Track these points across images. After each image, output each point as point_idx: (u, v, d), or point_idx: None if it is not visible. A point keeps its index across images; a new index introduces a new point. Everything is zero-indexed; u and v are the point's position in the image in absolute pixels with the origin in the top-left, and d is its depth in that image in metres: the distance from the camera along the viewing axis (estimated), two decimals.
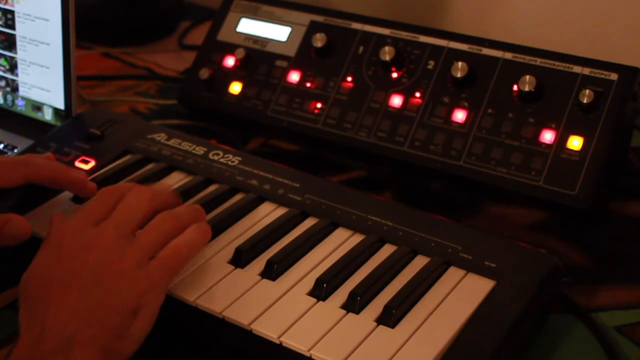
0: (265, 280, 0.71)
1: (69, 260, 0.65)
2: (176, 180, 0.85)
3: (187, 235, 0.69)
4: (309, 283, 0.71)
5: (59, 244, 0.67)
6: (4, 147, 0.98)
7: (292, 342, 0.65)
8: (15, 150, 0.96)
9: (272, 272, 0.72)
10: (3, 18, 0.99)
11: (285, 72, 1.02)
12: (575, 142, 0.87)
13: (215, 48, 1.07)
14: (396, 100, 0.95)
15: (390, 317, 0.66)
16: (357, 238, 0.76)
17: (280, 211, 0.80)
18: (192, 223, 0.71)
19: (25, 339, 0.63)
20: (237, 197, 0.82)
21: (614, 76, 0.88)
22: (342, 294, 0.69)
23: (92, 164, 0.87)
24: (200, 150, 0.88)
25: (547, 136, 0.88)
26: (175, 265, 0.68)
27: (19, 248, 0.79)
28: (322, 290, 0.70)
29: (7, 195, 0.79)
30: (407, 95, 0.95)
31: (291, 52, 1.03)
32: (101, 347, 0.62)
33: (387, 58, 0.95)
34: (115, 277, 0.64)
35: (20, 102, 1.01)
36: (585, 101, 0.87)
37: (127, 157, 0.88)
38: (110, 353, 0.63)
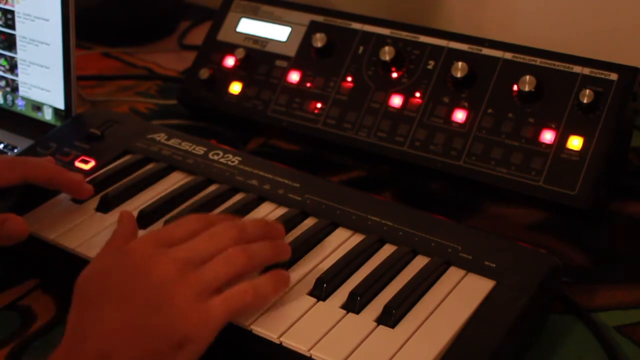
0: None
1: (132, 273, 0.63)
2: (176, 180, 0.85)
3: (258, 281, 0.66)
4: (309, 283, 0.71)
5: (125, 252, 0.65)
6: (4, 147, 0.98)
7: (292, 342, 0.65)
8: (16, 150, 0.96)
9: None
10: (3, 18, 0.99)
11: (285, 72, 1.02)
12: (575, 142, 0.87)
13: (215, 48, 1.07)
14: (396, 100, 0.95)
15: (390, 317, 0.66)
16: (357, 238, 0.76)
17: (280, 211, 0.80)
18: (267, 261, 0.69)
19: (67, 342, 0.61)
20: (237, 197, 0.82)
21: (614, 76, 0.88)
22: (342, 294, 0.69)
23: (92, 164, 0.87)
24: (200, 150, 0.88)
25: (547, 136, 0.88)
26: (236, 308, 0.64)
27: (22, 249, 0.79)
28: (322, 290, 0.70)
29: (7, 195, 0.79)
30: (407, 95, 0.95)
31: (291, 52, 1.03)
32: None
33: (387, 58, 0.95)
34: (172, 304, 0.62)
35: (20, 102, 1.01)
36: (585, 101, 0.87)
37: (127, 157, 0.88)
38: None
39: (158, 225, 0.78)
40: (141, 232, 0.73)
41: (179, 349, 0.61)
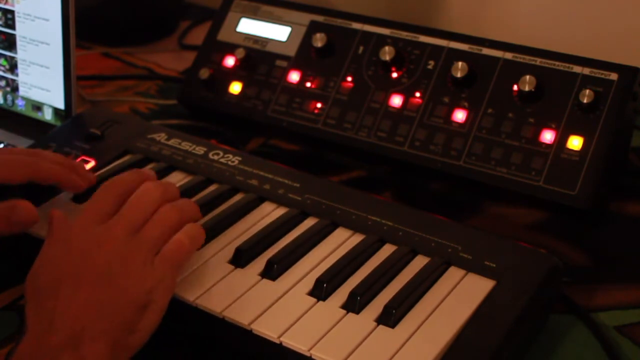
0: (265, 280, 0.71)
1: (78, 257, 0.66)
2: (176, 180, 0.85)
3: (187, 231, 0.71)
4: (309, 283, 0.71)
5: (67, 239, 0.68)
6: (4, 147, 0.98)
7: (292, 342, 0.65)
8: None
9: (272, 272, 0.72)
10: (3, 18, 0.99)
11: (285, 72, 1.02)
12: (575, 142, 0.87)
13: (215, 48, 1.07)
14: (396, 100, 0.95)
15: (390, 317, 0.66)
16: (357, 238, 0.76)
17: (280, 211, 0.80)
18: (193, 217, 0.73)
19: (33, 333, 0.63)
20: (237, 197, 0.82)
21: (614, 76, 0.88)
22: (342, 294, 0.69)
23: (92, 164, 0.87)
24: (200, 150, 0.88)
25: (547, 136, 0.88)
26: (179, 259, 0.69)
27: (21, 246, 0.79)
28: (322, 290, 0.70)
29: (7, 194, 0.79)
30: (407, 95, 0.95)
31: (291, 52, 1.03)
32: (111, 341, 0.62)
33: (387, 58, 0.95)
34: (124, 274, 0.65)
35: (20, 102, 1.01)
36: (585, 101, 0.87)
37: (127, 157, 0.88)
38: (119, 347, 0.63)
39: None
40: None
41: (143, 311, 0.65)
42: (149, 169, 0.78)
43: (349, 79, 0.99)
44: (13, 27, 0.99)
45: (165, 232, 0.69)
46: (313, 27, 1.03)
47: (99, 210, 0.70)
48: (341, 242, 0.76)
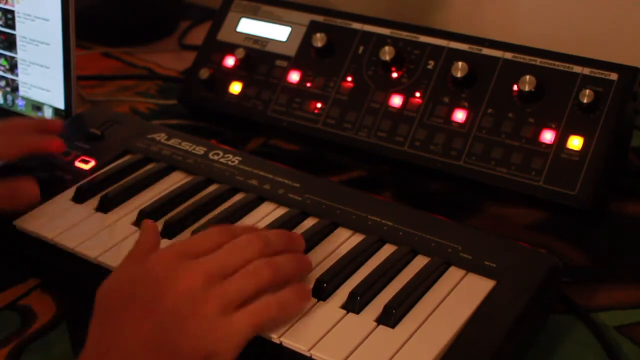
0: None
1: (154, 285, 0.62)
2: (176, 180, 0.85)
3: (282, 295, 0.65)
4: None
5: (149, 262, 0.64)
6: None
7: (292, 342, 0.65)
8: None
9: None
10: (3, 18, 0.99)
11: (285, 72, 1.02)
12: (575, 142, 0.87)
13: (215, 48, 1.07)
14: (396, 100, 0.95)
15: (390, 317, 0.66)
16: (357, 238, 0.76)
17: (280, 211, 0.80)
18: (292, 275, 0.67)
19: (89, 354, 0.60)
20: (237, 197, 0.82)
21: (614, 76, 0.88)
22: (342, 294, 0.69)
23: (92, 163, 0.87)
24: (200, 150, 0.88)
25: (547, 136, 0.88)
26: (261, 322, 0.63)
27: (22, 249, 0.79)
28: (322, 290, 0.69)
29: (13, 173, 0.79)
30: (407, 95, 0.95)
31: (291, 52, 1.03)
32: None
33: (387, 58, 0.95)
34: (196, 319, 0.61)
35: (20, 102, 1.01)
36: (585, 101, 0.87)
37: (127, 157, 0.88)
38: None
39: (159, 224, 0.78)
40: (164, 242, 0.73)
41: None
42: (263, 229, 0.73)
43: (349, 79, 0.99)
44: (13, 27, 0.99)
45: (253, 286, 0.64)
46: (313, 27, 1.03)
47: (191, 247, 0.65)
48: (341, 242, 0.76)
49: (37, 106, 1.00)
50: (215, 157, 0.87)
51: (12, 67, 1.00)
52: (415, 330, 0.66)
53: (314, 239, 0.76)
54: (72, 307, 0.77)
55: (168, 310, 0.61)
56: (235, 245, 0.66)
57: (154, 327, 0.60)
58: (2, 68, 1.01)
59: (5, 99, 1.03)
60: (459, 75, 0.92)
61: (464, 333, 0.66)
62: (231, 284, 0.63)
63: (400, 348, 0.64)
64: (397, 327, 0.66)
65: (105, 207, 0.81)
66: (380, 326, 0.66)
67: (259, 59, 1.04)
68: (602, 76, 0.88)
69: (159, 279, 0.62)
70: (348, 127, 0.96)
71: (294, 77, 1.01)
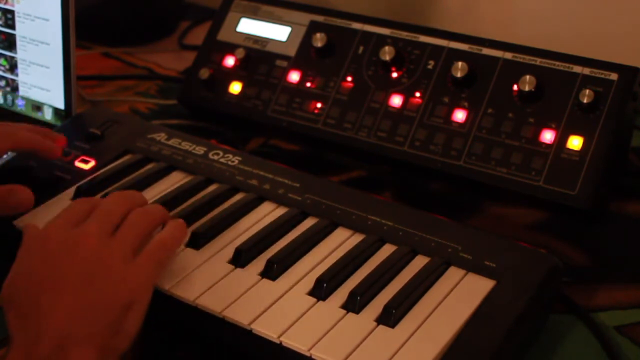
0: (265, 280, 0.71)
1: (56, 261, 0.65)
2: (176, 180, 0.85)
3: (168, 230, 0.71)
4: (309, 283, 0.71)
5: (41, 246, 0.67)
6: None
7: (292, 341, 0.65)
8: None
9: (272, 271, 0.72)
10: (3, 18, 0.99)
11: (285, 72, 1.02)
12: (575, 142, 0.87)
13: (215, 48, 1.07)
14: (396, 100, 0.95)
15: (390, 317, 0.66)
16: (357, 238, 0.76)
17: (280, 211, 0.80)
18: (163, 219, 0.73)
19: (19, 344, 0.62)
20: (237, 197, 0.82)
21: (614, 76, 0.88)
22: (342, 294, 0.69)
23: (92, 163, 0.87)
24: (200, 150, 0.88)
25: (547, 136, 0.88)
26: (161, 257, 0.69)
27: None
28: (322, 290, 0.69)
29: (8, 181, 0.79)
30: (407, 95, 0.95)
31: (291, 52, 1.03)
32: (98, 344, 0.62)
33: (387, 58, 0.95)
34: (105, 274, 0.65)
35: (20, 102, 1.01)
36: (585, 101, 0.87)
37: (127, 157, 0.88)
38: (106, 350, 0.63)
39: None
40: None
41: (127, 311, 0.64)
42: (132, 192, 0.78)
43: (349, 79, 0.99)
44: (13, 27, 0.99)
45: (141, 232, 0.69)
46: (313, 27, 1.03)
47: (71, 217, 0.69)
48: (341, 242, 0.76)
49: (37, 106, 1.00)
50: (215, 157, 0.87)
51: (12, 67, 1.00)
52: (415, 330, 0.66)
53: (314, 239, 0.76)
54: None
55: (77, 275, 0.64)
56: (107, 204, 0.71)
57: (73, 295, 0.63)
58: (2, 68, 1.01)
59: (5, 99, 1.03)
60: (459, 75, 0.92)
61: (464, 333, 0.66)
62: (122, 233, 0.68)
63: (400, 348, 0.64)
64: (397, 327, 0.66)
65: None
66: (380, 326, 0.66)
67: (259, 59, 1.04)
68: (602, 76, 0.88)
69: (58, 252, 0.65)
70: (348, 127, 0.96)
71: (294, 77, 1.01)
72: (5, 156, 0.87)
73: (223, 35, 1.08)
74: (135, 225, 0.69)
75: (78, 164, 0.87)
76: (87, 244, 0.66)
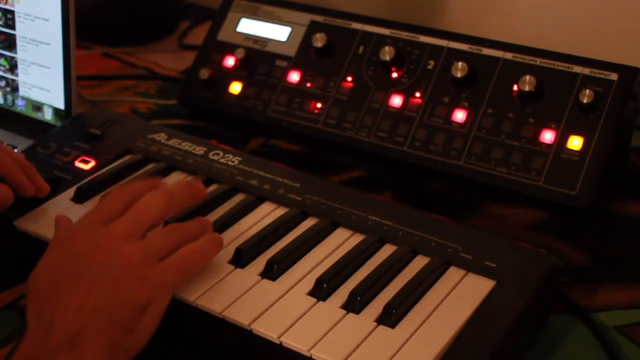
0: (265, 280, 0.71)
1: (77, 258, 0.66)
2: (176, 180, 0.85)
3: (200, 243, 0.70)
4: (309, 283, 0.71)
5: (68, 242, 0.67)
6: None
7: (292, 342, 0.65)
8: (16, 150, 0.96)
9: (272, 272, 0.72)
10: (3, 18, 0.99)
11: (285, 72, 1.02)
12: (575, 142, 0.87)
13: (215, 48, 1.07)
14: (396, 100, 0.95)
15: (390, 317, 0.66)
16: (357, 238, 0.76)
17: (280, 211, 0.80)
18: (201, 234, 0.71)
19: (33, 334, 0.63)
20: (237, 197, 0.82)
21: (614, 76, 0.88)
22: (342, 294, 0.69)
23: (92, 164, 0.87)
24: (200, 150, 0.88)
25: (547, 136, 0.88)
26: (187, 267, 0.68)
27: (22, 249, 0.79)
28: (322, 290, 0.69)
29: None
30: (407, 95, 0.95)
31: (291, 52, 1.03)
32: (109, 341, 0.62)
33: (387, 58, 0.95)
34: (124, 272, 0.65)
35: (20, 102, 1.01)
36: (585, 101, 0.87)
37: (127, 157, 0.88)
38: (118, 348, 0.63)
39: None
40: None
41: (142, 313, 0.64)
42: (160, 179, 0.76)
43: (349, 79, 0.99)
44: (13, 27, 0.99)
45: (170, 242, 0.68)
46: (313, 27, 1.03)
47: (103, 214, 0.69)
48: (341, 242, 0.76)
49: (37, 106, 1.00)
50: (215, 157, 0.87)
51: (12, 67, 1.00)
52: (415, 330, 0.66)
53: (314, 239, 0.76)
54: None
55: (98, 274, 0.64)
56: (143, 203, 0.70)
57: (89, 292, 0.63)
58: (2, 68, 1.01)
59: (5, 99, 1.03)
60: (459, 75, 0.92)
61: (464, 333, 0.66)
62: (150, 240, 0.68)
63: (400, 348, 0.64)
64: (397, 327, 0.66)
65: None
66: (380, 326, 0.66)
67: (259, 59, 1.04)
68: (602, 76, 0.88)
69: (82, 250, 0.66)
70: (348, 127, 0.96)
71: (294, 77, 1.01)
72: None
73: (223, 35, 1.08)
74: (165, 237, 0.69)
75: (78, 164, 0.87)
76: (109, 243, 0.66)
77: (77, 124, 0.94)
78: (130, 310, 0.64)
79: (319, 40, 1.00)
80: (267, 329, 0.66)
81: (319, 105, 0.99)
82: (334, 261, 0.73)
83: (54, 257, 0.67)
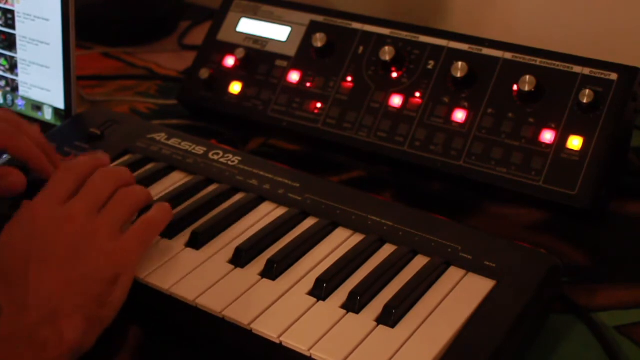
0: (265, 280, 0.71)
1: (42, 236, 0.67)
2: (176, 180, 0.85)
3: (154, 212, 0.73)
4: (309, 283, 0.71)
5: (29, 220, 0.69)
6: None
7: (292, 341, 0.65)
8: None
9: (272, 271, 0.72)
10: (3, 18, 0.99)
11: (285, 72, 1.02)
12: (575, 142, 0.87)
13: (215, 48, 1.07)
14: (396, 100, 0.95)
15: (390, 317, 0.66)
16: (357, 238, 0.76)
17: (280, 211, 0.80)
18: (147, 200, 0.75)
19: (8, 313, 0.63)
20: (237, 197, 0.82)
21: (614, 76, 0.88)
22: (342, 293, 0.69)
23: None
24: (200, 150, 0.88)
25: (547, 136, 0.88)
26: (147, 236, 0.72)
27: None
28: (322, 290, 0.70)
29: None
30: (407, 95, 0.95)
31: (291, 52, 1.03)
32: (85, 315, 0.64)
33: (387, 58, 0.95)
34: (92, 249, 0.67)
35: (20, 102, 1.01)
36: (585, 101, 0.87)
37: (127, 157, 0.88)
38: (93, 321, 0.65)
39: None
40: None
41: (113, 284, 0.67)
42: (103, 153, 0.79)
43: (349, 79, 0.99)
44: (13, 27, 0.99)
45: (126, 211, 0.72)
46: (313, 27, 1.03)
47: (60, 192, 0.71)
48: (341, 242, 0.76)
49: (37, 106, 1.00)
50: (215, 157, 0.87)
51: (12, 67, 1.00)
52: (415, 330, 0.66)
53: (314, 239, 0.76)
54: None
55: (65, 251, 0.67)
56: (94, 182, 0.73)
57: (58, 268, 0.66)
58: (2, 68, 1.01)
59: (5, 99, 1.03)
60: (459, 75, 0.92)
61: (464, 333, 0.66)
62: (108, 212, 0.71)
63: (400, 348, 0.64)
64: (397, 327, 0.66)
65: None
66: (380, 326, 0.66)
67: (259, 59, 1.04)
68: (602, 76, 0.88)
69: (46, 229, 0.68)
70: (348, 127, 0.96)
71: (294, 77, 1.01)
72: (5, 156, 0.87)
73: (223, 35, 1.08)
74: (121, 204, 0.72)
75: None
76: (74, 221, 0.68)
77: (77, 124, 0.94)
78: (102, 284, 0.66)
79: (319, 40, 1.00)
80: (267, 328, 0.66)
81: (318, 105, 0.99)
82: (333, 261, 0.73)
83: (16, 236, 0.68)
